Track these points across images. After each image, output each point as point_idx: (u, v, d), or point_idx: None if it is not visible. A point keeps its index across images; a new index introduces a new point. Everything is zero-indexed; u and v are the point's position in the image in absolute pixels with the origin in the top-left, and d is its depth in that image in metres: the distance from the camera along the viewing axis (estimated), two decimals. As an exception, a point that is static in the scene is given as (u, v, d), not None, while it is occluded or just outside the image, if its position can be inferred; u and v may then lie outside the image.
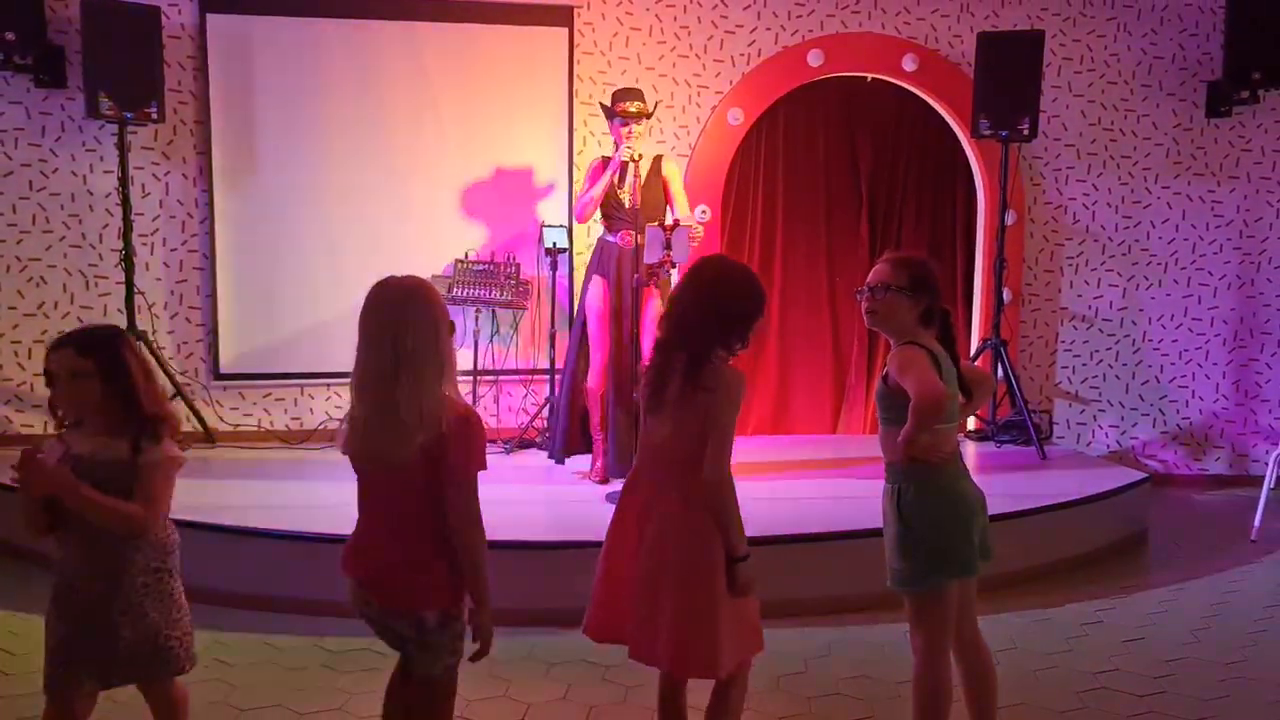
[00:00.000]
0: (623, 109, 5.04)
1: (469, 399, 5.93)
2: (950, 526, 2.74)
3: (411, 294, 2.34)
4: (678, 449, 2.53)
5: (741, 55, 6.14)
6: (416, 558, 2.34)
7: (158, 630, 2.48)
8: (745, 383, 2.55)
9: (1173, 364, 6.58)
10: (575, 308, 5.44)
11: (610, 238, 5.13)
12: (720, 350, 2.52)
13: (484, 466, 2.34)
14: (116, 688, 2.52)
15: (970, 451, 6.07)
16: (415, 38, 5.85)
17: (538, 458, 5.73)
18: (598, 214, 5.19)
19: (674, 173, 5.21)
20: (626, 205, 4.98)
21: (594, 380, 5.12)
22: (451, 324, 2.37)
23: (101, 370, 2.41)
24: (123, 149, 5.41)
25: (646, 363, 4.73)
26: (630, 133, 5.01)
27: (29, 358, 5.66)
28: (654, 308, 5.02)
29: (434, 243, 5.92)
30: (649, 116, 5.13)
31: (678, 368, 2.52)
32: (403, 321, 2.29)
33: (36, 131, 5.58)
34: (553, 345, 5.90)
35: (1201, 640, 3.98)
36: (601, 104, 5.27)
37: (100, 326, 2.63)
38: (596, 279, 5.12)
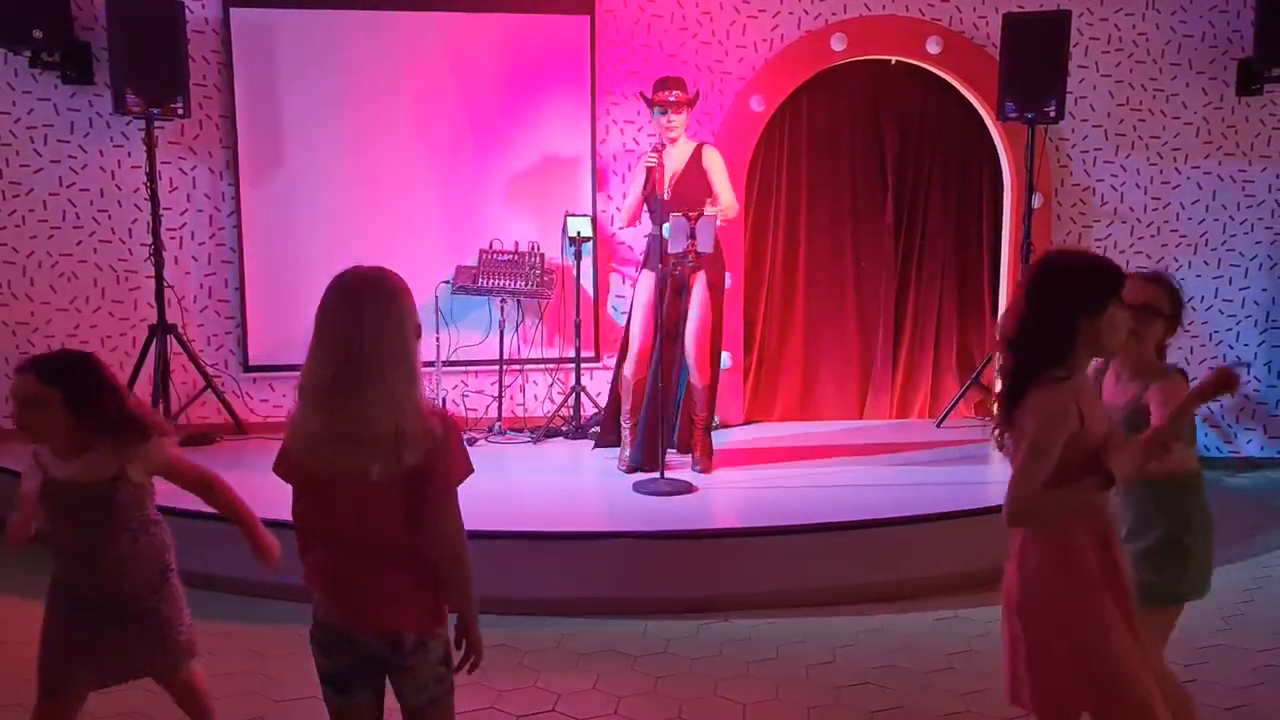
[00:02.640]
0: (661, 98, 5.01)
1: (494, 388, 5.97)
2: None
3: (374, 286, 2.07)
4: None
5: (764, 41, 6.10)
6: (400, 574, 2.13)
7: (170, 626, 2.58)
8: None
9: (1203, 346, 6.50)
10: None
11: (654, 231, 5.11)
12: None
13: (471, 470, 2.14)
14: (130, 681, 2.62)
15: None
16: (437, 27, 5.85)
17: (564, 446, 5.76)
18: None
19: (715, 162, 5.14)
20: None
21: (630, 369, 5.11)
22: (418, 325, 2.12)
23: (67, 400, 2.39)
24: (150, 144, 5.45)
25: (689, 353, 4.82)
26: (669, 122, 4.99)
27: (62, 352, 5.72)
28: (700, 297, 5.01)
29: (458, 233, 5.94)
30: (690, 105, 5.10)
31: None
32: (362, 319, 2.02)
33: (65, 128, 5.63)
34: (578, 334, 5.92)
35: (1234, 627, 3.96)
36: (642, 94, 5.23)
37: (65, 353, 2.56)
38: (645, 273, 5.11)
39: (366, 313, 2.03)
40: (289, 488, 2.20)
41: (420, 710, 2.20)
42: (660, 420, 4.90)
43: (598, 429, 5.68)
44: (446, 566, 2.14)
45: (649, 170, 4.97)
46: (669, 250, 4.76)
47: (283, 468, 2.17)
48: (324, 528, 2.15)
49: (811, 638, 3.84)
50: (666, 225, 4.77)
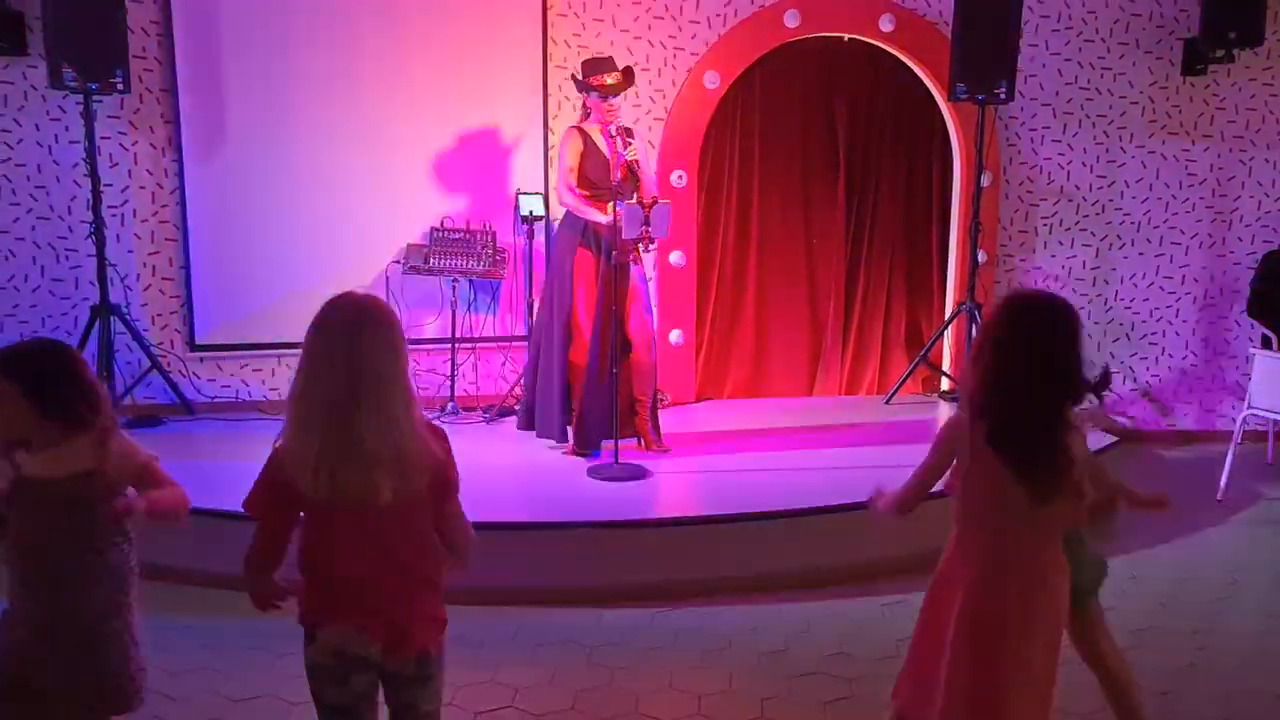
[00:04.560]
0: (601, 83, 4.95)
1: (447, 367, 5.94)
2: None
3: (369, 312, 2.16)
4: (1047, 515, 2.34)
5: (718, 16, 6.05)
6: (422, 594, 2.25)
7: (118, 667, 2.39)
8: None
9: (1144, 321, 6.66)
10: (547, 278, 5.37)
11: (605, 216, 4.98)
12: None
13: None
14: None
15: (944, 412, 6.17)
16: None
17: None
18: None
19: (642, 147, 5.19)
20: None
21: (581, 355, 5.08)
22: (406, 353, 2.21)
23: (27, 391, 2.28)
24: (88, 119, 5.28)
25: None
26: (613, 107, 4.95)
27: (0, 331, 5.59)
28: (638, 282, 5.04)
29: (408, 210, 5.86)
30: (631, 85, 5.06)
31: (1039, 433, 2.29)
32: (360, 344, 2.09)
33: (-1, 101, 5.45)
34: (530, 313, 5.90)
35: (1169, 609, 4.11)
36: (573, 75, 5.16)
37: (31, 342, 2.47)
38: (584, 254, 5.00)
39: (364, 338, 2.10)
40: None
41: (432, 715, 2.32)
42: (613, 402, 4.91)
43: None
44: (457, 561, 2.31)
45: (589, 150, 4.94)
46: (624, 236, 4.73)
47: (270, 496, 2.18)
48: (343, 554, 2.18)
49: (764, 625, 3.92)
50: (618, 209, 4.74)
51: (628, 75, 5.09)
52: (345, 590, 2.20)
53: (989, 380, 2.31)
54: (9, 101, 5.46)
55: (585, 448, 5.08)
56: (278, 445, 2.17)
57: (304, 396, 2.12)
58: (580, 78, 5.06)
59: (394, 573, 2.20)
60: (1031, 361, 2.28)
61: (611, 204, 4.79)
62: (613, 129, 4.95)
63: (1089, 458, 2.38)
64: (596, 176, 4.99)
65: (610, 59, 5.13)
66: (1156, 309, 6.65)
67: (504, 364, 6.13)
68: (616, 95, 4.98)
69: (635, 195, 4.88)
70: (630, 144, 4.97)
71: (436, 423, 2.29)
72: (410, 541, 2.20)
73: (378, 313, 2.16)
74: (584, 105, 5.15)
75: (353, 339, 2.10)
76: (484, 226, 5.85)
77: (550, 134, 5.94)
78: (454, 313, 5.85)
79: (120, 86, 5.23)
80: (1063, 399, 2.31)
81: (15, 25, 5.35)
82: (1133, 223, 6.55)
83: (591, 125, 5.07)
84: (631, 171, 4.98)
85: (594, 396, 5.00)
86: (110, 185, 5.57)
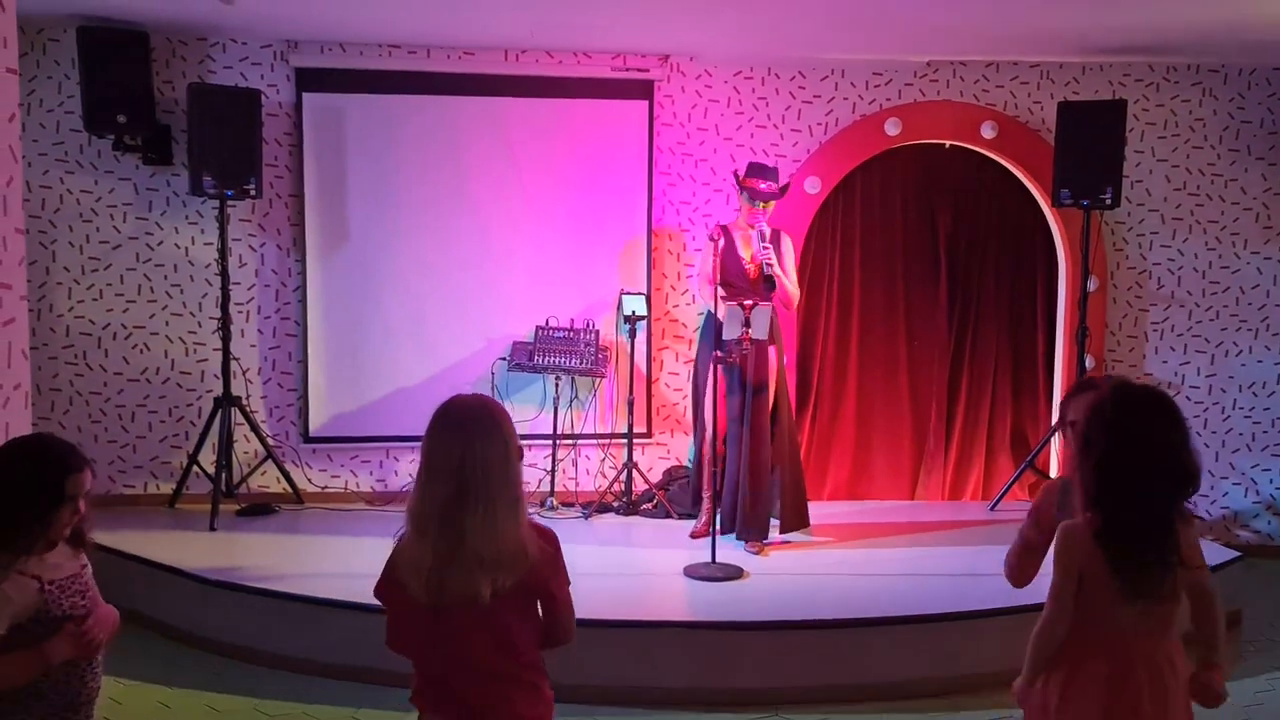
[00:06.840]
0: (753, 185, 5.13)
1: (547, 463, 6.04)
2: None
3: (480, 414, 2.19)
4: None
5: (819, 125, 6.20)
6: (516, 695, 2.24)
7: None
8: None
9: (1265, 432, 6.40)
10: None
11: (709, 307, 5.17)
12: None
13: (568, 581, 2.31)
14: None
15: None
16: (500, 113, 6.02)
17: (615, 522, 5.80)
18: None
19: (790, 250, 5.34)
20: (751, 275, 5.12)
21: (709, 446, 5.23)
22: (520, 447, 2.22)
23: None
24: (223, 223, 5.64)
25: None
26: (756, 210, 5.13)
27: (131, 420, 5.91)
28: (773, 372, 5.15)
29: (516, 310, 6.06)
30: (779, 197, 5.24)
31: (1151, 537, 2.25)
32: (472, 448, 2.13)
33: (144, 206, 5.86)
34: (631, 411, 5.98)
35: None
36: (735, 174, 5.31)
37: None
38: (711, 351, 5.07)
39: (475, 442, 2.13)
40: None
41: None
42: (736, 494, 5.04)
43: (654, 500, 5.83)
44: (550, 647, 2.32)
45: (720, 247, 5.08)
46: (724, 336, 4.82)
47: (386, 592, 2.25)
48: (443, 654, 2.21)
49: (862, 736, 3.82)
50: (728, 310, 4.87)
51: (784, 190, 5.26)
52: (442, 687, 2.23)
53: (1102, 473, 2.25)
54: (153, 206, 5.88)
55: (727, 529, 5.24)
56: (397, 546, 2.23)
57: (421, 500, 2.16)
58: (741, 176, 5.22)
59: (485, 673, 2.20)
60: (1152, 456, 2.24)
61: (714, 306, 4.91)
62: (756, 231, 5.11)
63: (1198, 560, 2.33)
64: (732, 276, 5.14)
65: (775, 170, 5.30)
66: (1278, 419, 6.39)
67: (603, 461, 6.20)
68: (763, 202, 5.13)
69: (770, 298, 5.02)
70: (767, 248, 5.06)
71: (546, 528, 2.29)
72: (501, 642, 2.20)
73: (490, 414, 2.20)
74: (744, 212, 5.29)
75: (466, 440, 2.14)
76: (587, 325, 6.01)
77: (654, 236, 6.12)
78: (556, 409, 5.98)
79: (253, 193, 5.59)
80: (1178, 495, 2.27)
81: (163, 139, 5.78)
82: (1249, 329, 6.36)
83: (739, 225, 5.24)
84: (764, 274, 5.06)
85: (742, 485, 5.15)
86: (238, 283, 5.91)
